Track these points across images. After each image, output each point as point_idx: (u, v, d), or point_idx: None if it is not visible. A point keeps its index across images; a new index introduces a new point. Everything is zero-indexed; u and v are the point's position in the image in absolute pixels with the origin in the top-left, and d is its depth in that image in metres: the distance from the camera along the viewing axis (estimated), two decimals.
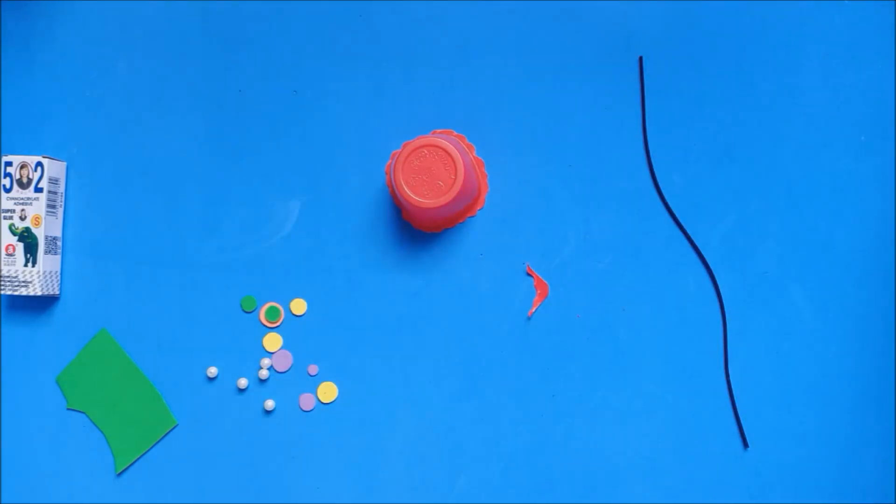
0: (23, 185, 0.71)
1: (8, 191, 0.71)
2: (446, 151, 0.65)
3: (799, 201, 0.72)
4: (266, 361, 0.72)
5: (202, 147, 0.74)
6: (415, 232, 0.73)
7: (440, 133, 0.71)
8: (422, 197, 0.65)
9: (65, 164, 0.73)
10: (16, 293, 0.70)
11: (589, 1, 0.73)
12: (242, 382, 0.71)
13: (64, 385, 0.72)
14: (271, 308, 0.72)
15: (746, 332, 0.72)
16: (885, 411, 0.71)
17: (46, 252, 0.71)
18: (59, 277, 0.73)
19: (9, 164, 0.71)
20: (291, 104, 0.74)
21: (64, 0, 0.75)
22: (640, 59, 0.73)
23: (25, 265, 0.70)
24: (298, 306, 0.72)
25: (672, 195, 0.72)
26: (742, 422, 0.71)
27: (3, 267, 0.70)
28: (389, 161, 0.71)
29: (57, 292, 0.72)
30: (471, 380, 0.71)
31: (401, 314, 0.72)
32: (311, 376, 0.72)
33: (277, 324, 0.72)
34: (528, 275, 0.71)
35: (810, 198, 0.72)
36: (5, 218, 0.71)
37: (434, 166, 0.65)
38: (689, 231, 0.72)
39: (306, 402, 0.72)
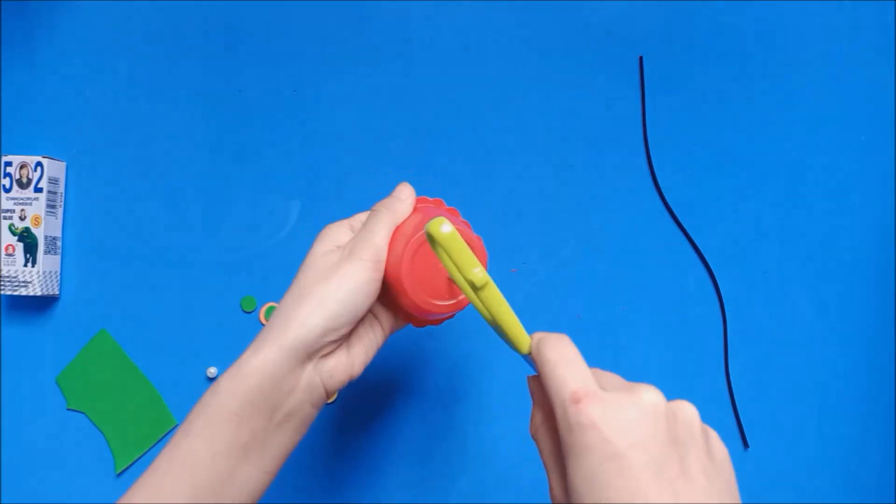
0: (22, 185, 0.71)
1: (8, 191, 0.71)
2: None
3: (799, 201, 0.72)
4: None
5: (202, 147, 0.73)
6: None
7: (427, 204, 0.57)
8: (435, 298, 0.53)
9: (65, 164, 0.73)
10: (16, 293, 0.70)
11: (589, 1, 0.73)
12: None
13: (64, 385, 0.72)
14: (271, 308, 0.72)
15: (746, 332, 0.72)
16: (886, 411, 0.71)
17: (46, 252, 0.71)
18: (58, 277, 0.73)
19: (8, 164, 0.71)
20: (291, 104, 0.74)
21: (64, 0, 0.75)
22: (641, 58, 0.73)
23: (25, 265, 0.70)
24: None
25: (672, 195, 0.72)
26: (742, 422, 0.71)
27: (2, 267, 0.70)
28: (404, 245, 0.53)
29: (57, 292, 0.72)
30: (471, 380, 0.71)
31: None
32: None
33: None
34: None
35: (810, 198, 0.72)
36: (5, 218, 0.71)
37: (436, 261, 0.52)
38: (689, 231, 0.72)
39: None
